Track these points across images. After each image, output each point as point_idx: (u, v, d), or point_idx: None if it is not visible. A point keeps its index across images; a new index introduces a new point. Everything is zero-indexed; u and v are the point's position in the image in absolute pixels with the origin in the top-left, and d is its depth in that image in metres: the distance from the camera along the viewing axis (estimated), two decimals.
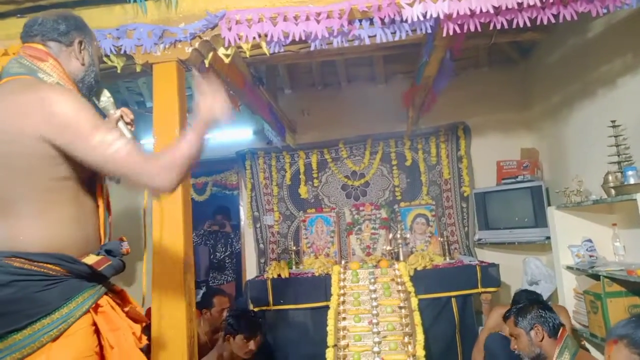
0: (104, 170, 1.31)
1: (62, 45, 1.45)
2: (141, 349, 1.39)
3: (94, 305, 1.31)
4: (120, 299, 1.44)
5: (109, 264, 1.35)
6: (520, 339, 2.35)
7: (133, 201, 4.39)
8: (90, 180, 1.41)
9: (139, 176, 1.29)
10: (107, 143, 1.26)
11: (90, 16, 2.25)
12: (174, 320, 1.98)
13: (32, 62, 1.39)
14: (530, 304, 2.40)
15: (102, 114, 1.59)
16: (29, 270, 1.22)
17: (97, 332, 1.31)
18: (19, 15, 2.34)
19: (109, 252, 1.38)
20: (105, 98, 1.59)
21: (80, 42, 1.48)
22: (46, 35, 1.44)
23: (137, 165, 1.28)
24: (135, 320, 1.43)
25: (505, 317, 2.49)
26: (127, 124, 1.59)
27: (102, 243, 1.42)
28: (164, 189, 1.32)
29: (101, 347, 1.31)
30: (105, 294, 1.37)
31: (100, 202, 1.43)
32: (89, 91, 1.54)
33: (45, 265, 1.23)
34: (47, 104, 1.25)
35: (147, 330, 1.73)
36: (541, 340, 2.27)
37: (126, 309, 1.43)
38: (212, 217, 5.78)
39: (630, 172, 2.57)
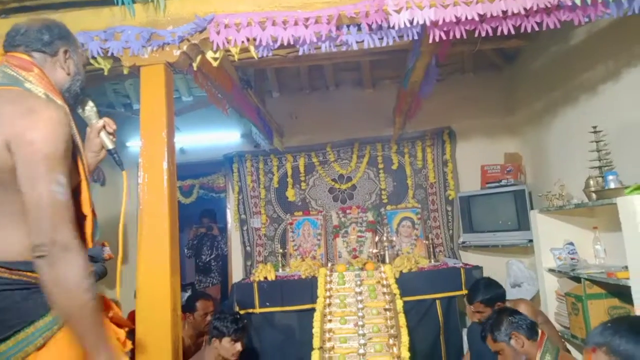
0: (26, 203, 1.20)
1: (46, 56, 1.42)
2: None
3: None
4: (103, 304, 1.43)
5: (92, 270, 1.34)
6: (504, 352, 2.28)
7: (116, 206, 4.35)
8: (74, 188, 1.38)
9: (45, 226, 1.18)
10: (54, 182, 1.20)
11: (78, 18, 2.24)
12: (159, 323, 1.97)
13: (17, 72, 1.35)
14: (497, 315, 2.36)
15: (85, 123, 1.58)
16: (9, 279, 1.21)
17: None
18: (3, 16, 2.32)
19: (91, 258, 1.37)
20: (89, 107, 1.58)
21: (65, 52, 1.46)
22: (30, 46, 1.40)
23: (55, 219, 1.19)
24: (119, 326, 1.42)
25: (483, 338, 2.42)
26: (109, 134, 1.57)
27: (87, 249, 1.40)
28: (40, 249, 1.18)
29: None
30: None
31: (87, 210, 1.40)
32: (75, 99, 1.52)
33: (25, 273, 1.22)
34: (33, 116, 1.22)
35: (130, 334, 1.72)
36: (522, 346, 2.23)
37: (110, 315, 1.42)
38: (198, 221, 5.78)
39: (610, 177, 2.63)
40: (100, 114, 1.62)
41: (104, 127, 1.56)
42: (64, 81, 1.47)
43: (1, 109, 1.24)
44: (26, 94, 1.31)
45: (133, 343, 1.86)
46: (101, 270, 1.39)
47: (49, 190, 1.19)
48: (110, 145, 1.56)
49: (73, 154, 1.35)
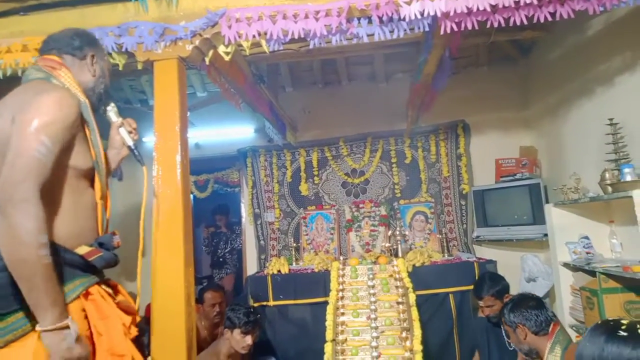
0: (8, 158, 1.25)
1: (75, 59, 1.60)
2: (138, 341, 1.44)
3: (84, 292, 1.36)
4: (113, 291, 1.50)
5: (100, 256, 1.40)
6: (510, 335, 2.44)
7: (134, 198, 4.43)
8: (91, 176, 1.47)
9: (13, 176, 1.22)
10: (38, 141, 1.26)
11: (93, 14, 2.29)
12: (173, 314, 2.00)
13: (46, 70, 1.51)
14: (519, 301, 2.43)
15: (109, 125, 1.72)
16: None
17: (86, 318, 1.36)
18: (22, 13, 2.37)
19: (101, 245, 1.43)
20: (110, 107, 1.72)
21: (92, 56, 1.63)
22: (61, 49, 1.58)
23: (25, 173, 1.23)
24: (127, 312, 1.47)
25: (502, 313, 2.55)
26: (129, 132, 1.71)
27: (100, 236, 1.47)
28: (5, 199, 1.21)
29: (91, 333, 1.36)
30: (98, 284, 1.43)
31: (99, 198, 1.47)
32: (98, 99, 1.66)
33: None
34: (39, 94, 1.34)
35: (146, 323, 1.77)
36: (525, 338, 2.32)
37: (117, 300, 1.48)
38: (211, 217, 5.87)
39: (627, 170, 2.59)
40: (119, 110, 1.75)
41: (122, 124, 1.70)
42: (89, 81, 1.62)
43: (20, 95, 1.39)
44: (45, 83, 1.46)
45: (148, 333, 1.91)
46: (110, 257, 1.44)
47: (30, 147, 1.26)
48: (129, 142, 1.69)
49: (85, 141, 1.46)
